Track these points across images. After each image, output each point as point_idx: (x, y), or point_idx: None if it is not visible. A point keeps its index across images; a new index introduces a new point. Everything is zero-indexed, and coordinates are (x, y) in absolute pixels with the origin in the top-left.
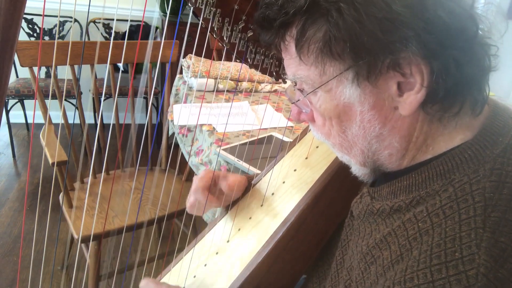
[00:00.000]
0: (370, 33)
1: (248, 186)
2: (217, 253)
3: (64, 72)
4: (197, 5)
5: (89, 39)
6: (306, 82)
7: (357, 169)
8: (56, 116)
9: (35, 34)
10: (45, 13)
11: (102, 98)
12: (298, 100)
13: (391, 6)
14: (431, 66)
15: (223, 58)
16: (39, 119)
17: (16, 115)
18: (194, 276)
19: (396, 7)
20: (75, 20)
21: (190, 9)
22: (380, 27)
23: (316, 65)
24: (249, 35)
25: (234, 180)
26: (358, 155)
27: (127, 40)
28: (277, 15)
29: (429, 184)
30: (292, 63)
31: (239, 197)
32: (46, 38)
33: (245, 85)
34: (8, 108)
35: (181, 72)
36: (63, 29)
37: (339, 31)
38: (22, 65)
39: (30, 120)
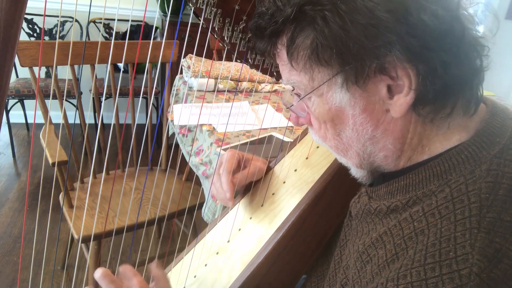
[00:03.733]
0: (355, 39)
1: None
2: (217, 253)
3: (64, 72)
4: (198, 5)
5: (89, 39)
6: (299, 87)
7: (355, 171)
8: (57, 116)
9: (35, 34)
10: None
11: (103, 98)
12: (292, 105)
13: (374, 12)
14: (417, 69)
15: (223, 58)
16: (39, 119)
17: (16, 115)
18: (195, 276)
19: (379, 13)
20: (76, 20)
21: (191, 9)
22: (364, 32)
23: (305, 71)
24: (249, 35)
25: (253, 172)
26: (354, 157)
27: (128, 40)
28: (268, 24)
29: (426, 184)
30: (285, 68)
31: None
32: (46, 38)
33: (245, 85)
34: (8, 108)
35: (181, 72)
36: (63, 29)
37: (325, 38)
38: (22, 65)
39: (30, 120)
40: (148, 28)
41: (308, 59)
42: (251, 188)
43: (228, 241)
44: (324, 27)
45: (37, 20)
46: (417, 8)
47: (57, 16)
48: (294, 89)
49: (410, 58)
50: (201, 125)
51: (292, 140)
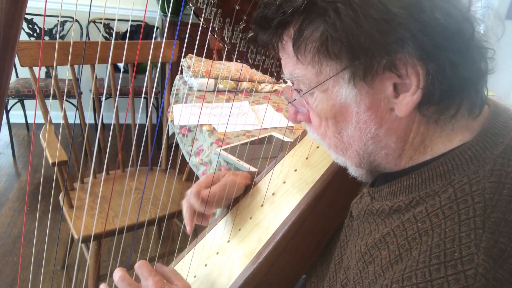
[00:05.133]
0: (367, 34)
1: (250, 183)
2: (217, 253)
3: (64, 72)
4: (198, 5)
5: (89, 39)
6: (303, 82)
7: (353, 170)
8: (57, 116)
9: (35, 34)
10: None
11: (103, 98)
12: (295, 99)
13: (388, 7)
14: (427, 67)
15: (223, 59)
16: (39, 119)
17: (16, 115)
18: (195, 276)
19: (393, 8)
20: (76, 20)
21: (191, 10)
22: (377, 27)
23: (313, 65)
24: (250, 35)
25: (214, 192)
26: (354, 156)
27: (128, 40)
28: (275, 15)
29: (429, 184)
30: (289, 62)
31: (239, 196)
32: (46, 38)
33: (245, 85)
34: (8, 108)
35: (181, 72)
36: (63, 29)
37: (336, 31)
38: (22, 65)
39: (30, 120)
40: (148, 28)
41: (317, 51)
42: (251, 188)
43: (228, 241)
44: (336, 20)
45: (37, 20)
46: (430, 5)
47: (57, 16)
48: (294, 85)
49: (422, 56)
50: (201, 125)
51: (292, 140)
